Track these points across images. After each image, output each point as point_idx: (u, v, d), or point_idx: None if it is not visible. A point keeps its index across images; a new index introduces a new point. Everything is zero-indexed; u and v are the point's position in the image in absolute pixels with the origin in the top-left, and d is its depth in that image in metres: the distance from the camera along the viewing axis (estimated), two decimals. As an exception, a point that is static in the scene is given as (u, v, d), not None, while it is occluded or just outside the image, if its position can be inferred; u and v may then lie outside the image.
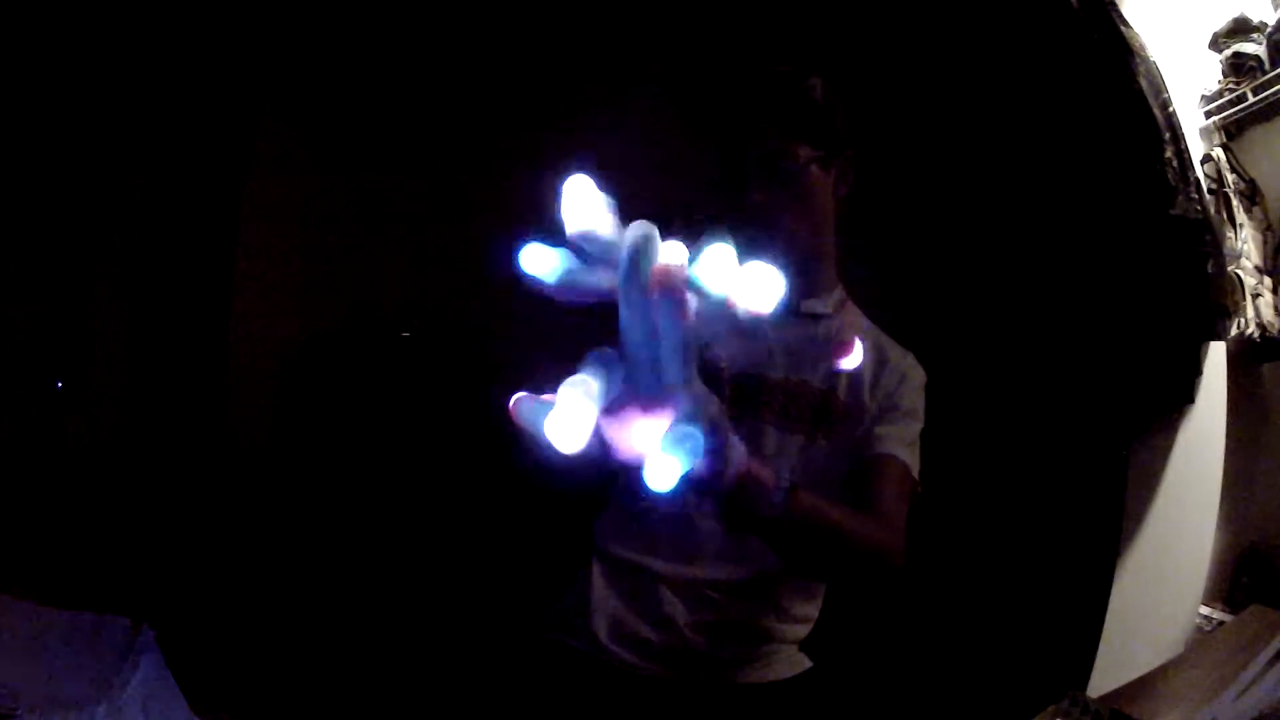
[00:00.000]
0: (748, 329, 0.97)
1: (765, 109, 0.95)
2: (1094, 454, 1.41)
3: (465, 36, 1.72)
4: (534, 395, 0.39)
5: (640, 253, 0.37)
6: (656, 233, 0.37)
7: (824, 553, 0.78)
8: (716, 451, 0.46)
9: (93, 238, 1.60)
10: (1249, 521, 1.51)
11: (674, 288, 0.37)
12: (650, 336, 0.39)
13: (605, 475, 0.79)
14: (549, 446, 0.36)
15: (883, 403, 0.96)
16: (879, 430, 0.94)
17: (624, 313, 0.39)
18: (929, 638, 1.40)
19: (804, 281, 1.00)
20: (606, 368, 0.40)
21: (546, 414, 0.36)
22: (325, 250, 1.72)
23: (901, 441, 0.94)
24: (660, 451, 0.37)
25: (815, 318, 1.00)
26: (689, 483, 0.42)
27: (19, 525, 1.36)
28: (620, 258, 0.37)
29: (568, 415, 0.36)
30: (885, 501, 0.88)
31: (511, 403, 0.39)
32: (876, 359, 0.99)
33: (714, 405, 0.43)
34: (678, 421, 0.39)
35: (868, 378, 0.98)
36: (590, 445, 0.37)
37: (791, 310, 0.99)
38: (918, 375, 1.00)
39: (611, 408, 0.39)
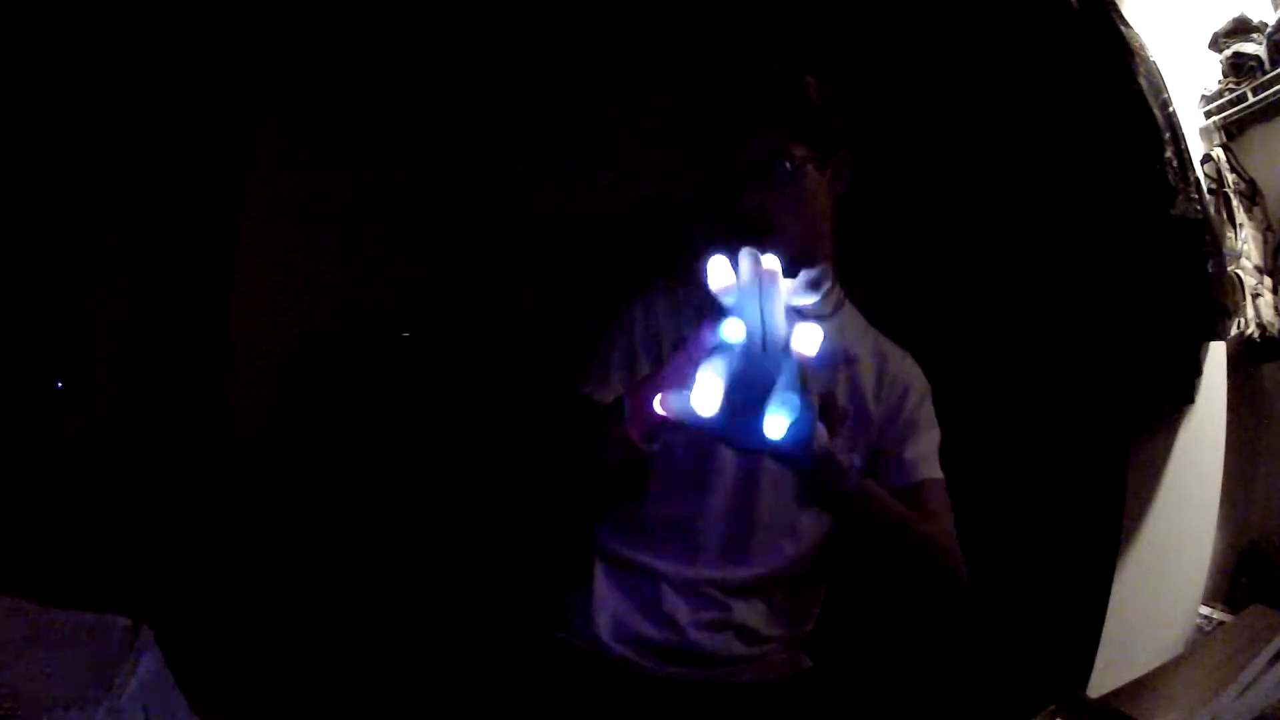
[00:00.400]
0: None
1: (761, 108, 0.94)
2: (1094, 454, 1.41)
3: (467, 36, 1.72)
4: (672, 391, 0.54)
5: (754, 264, 0.52)
6: (757, 251, 0.52)
7: (891, 542, 0.84)
8: (808, 417, 0.54)
9: (92, 238, 1.60)
10: (1249, 521, 1.51)
11: (775, 281, 0.52)
12: (759, 319, 0.52)
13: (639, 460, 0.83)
14: (693, 416, 0.51)
15: (895, 413, 0.97)
16: (909, 455, 0.95)
17: (745, 306, 0.52)
18: (929, 637, 1.40)
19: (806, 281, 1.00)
20: (726, 357, 0.51)
21: (687, 397, 0.50)
22: (325, 250, 1.72)
23: (932, 459, 0.96)
24: (771, 407, 0.49)
25: (819, 316, 1.00)
26: (783, 447, 0.54)
27: (19, 525, 1.36)
28: (739, 271, 0.52)
29: (708, 387, 0.49)
30: (941, 523, 0.91)
31: (659, 402, 0.55)
32: (878, 362, 0.99)
33: (815, 384, 0.54)
34: (784, 387, 0.50)
35: (869, 381, 0.98)
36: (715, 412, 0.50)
37: (793, 310, 0.99)
38: (921, 382, 1.01)
39: (731, 382, 0.51)
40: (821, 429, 0.61)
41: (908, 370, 1.00)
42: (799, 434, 0.54)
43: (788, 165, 0.92)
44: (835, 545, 1.01)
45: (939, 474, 0.96)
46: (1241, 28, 1.51)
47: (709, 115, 0.97)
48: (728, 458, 0.93)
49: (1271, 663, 0.83)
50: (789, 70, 0.98)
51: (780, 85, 0.96)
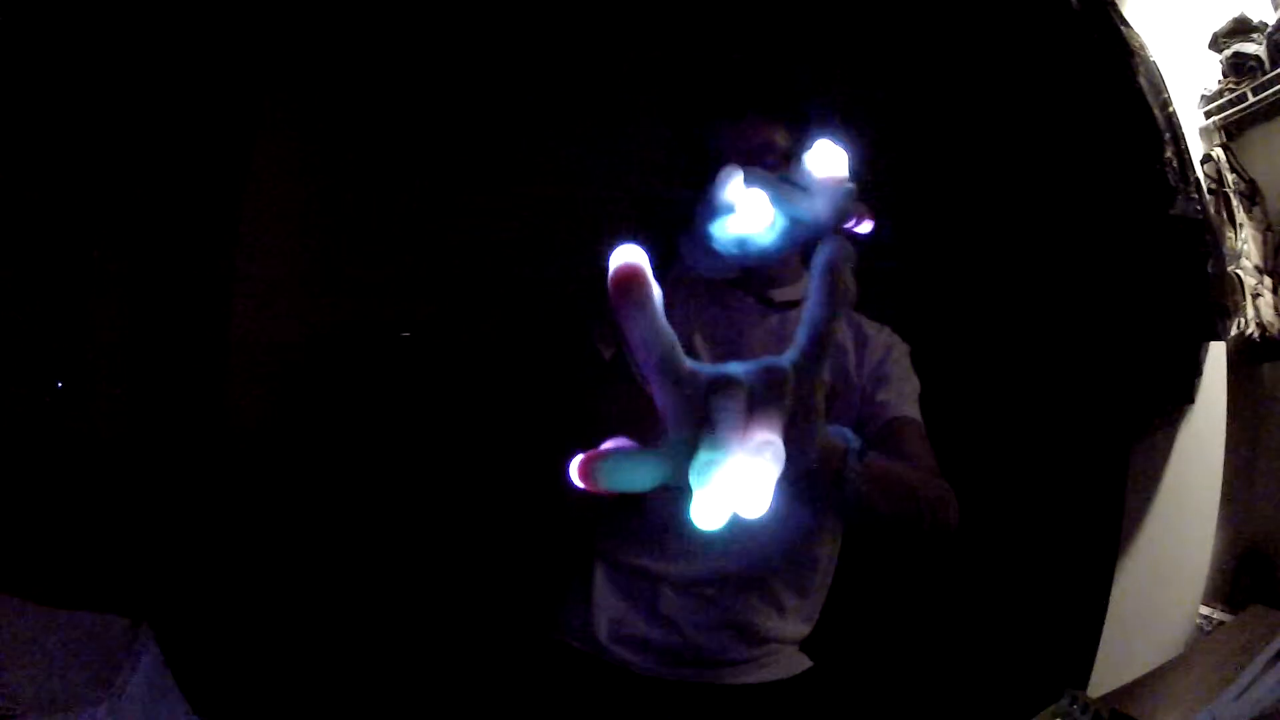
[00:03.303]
0: (722, 321, 0.97)
1: (750, 99, 0.93)
2: (1094, 454, 1.41)
3: (466, 38, 1.72)
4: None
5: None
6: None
7: (895, 509, 0.77)
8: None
9: (92, 238, 1.60)
10: (1249, 521, 1.51)
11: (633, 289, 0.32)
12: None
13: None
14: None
15: (875, 372, 0.97)
16: (882, 397, 0.94)
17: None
18: (929, 637, 1.40)
19: (776, 271, 1.00)
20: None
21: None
22: (325, 250, 1.72)
23: (908, 403, 0.95)
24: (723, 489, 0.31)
25: (789, 305, 1.01)
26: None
27: (19, 525, 1.36)
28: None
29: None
30: (923, 461, 0.89)
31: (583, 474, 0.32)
32: (855, 337, 1.00)
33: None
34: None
35: (850, 357, 0.98)
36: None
37: (764, 301, 1.00)
38: (901, 345, 1.02)
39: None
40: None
41: (885, 338, 1.01)
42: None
43: (772, 156, 0.92)
44: (836, 524, 1.02)
45: (916, 415, 0.94)
46: (1241, 28, 1.51)
47: (692, 107, 0.96)
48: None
49: (1271, 663, 0.83)
50: (770, 61, 0.98)
51: (766, 76, 0.96)
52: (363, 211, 1.73)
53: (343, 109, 1.73)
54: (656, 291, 0.32)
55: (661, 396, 0.34)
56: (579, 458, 0.33)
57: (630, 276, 0.31)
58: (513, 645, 1.02)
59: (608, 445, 0.33)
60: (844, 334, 1.00)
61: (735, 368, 0.34)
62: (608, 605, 0.96)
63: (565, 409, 0.96)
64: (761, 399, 0.33)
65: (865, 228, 0.42)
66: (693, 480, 0.31)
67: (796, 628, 1.00)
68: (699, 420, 0.33)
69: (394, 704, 1.45)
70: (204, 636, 1.31)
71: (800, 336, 0.35)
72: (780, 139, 0.92)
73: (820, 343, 0.35)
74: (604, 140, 1.70)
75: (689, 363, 0.34)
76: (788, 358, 0.35)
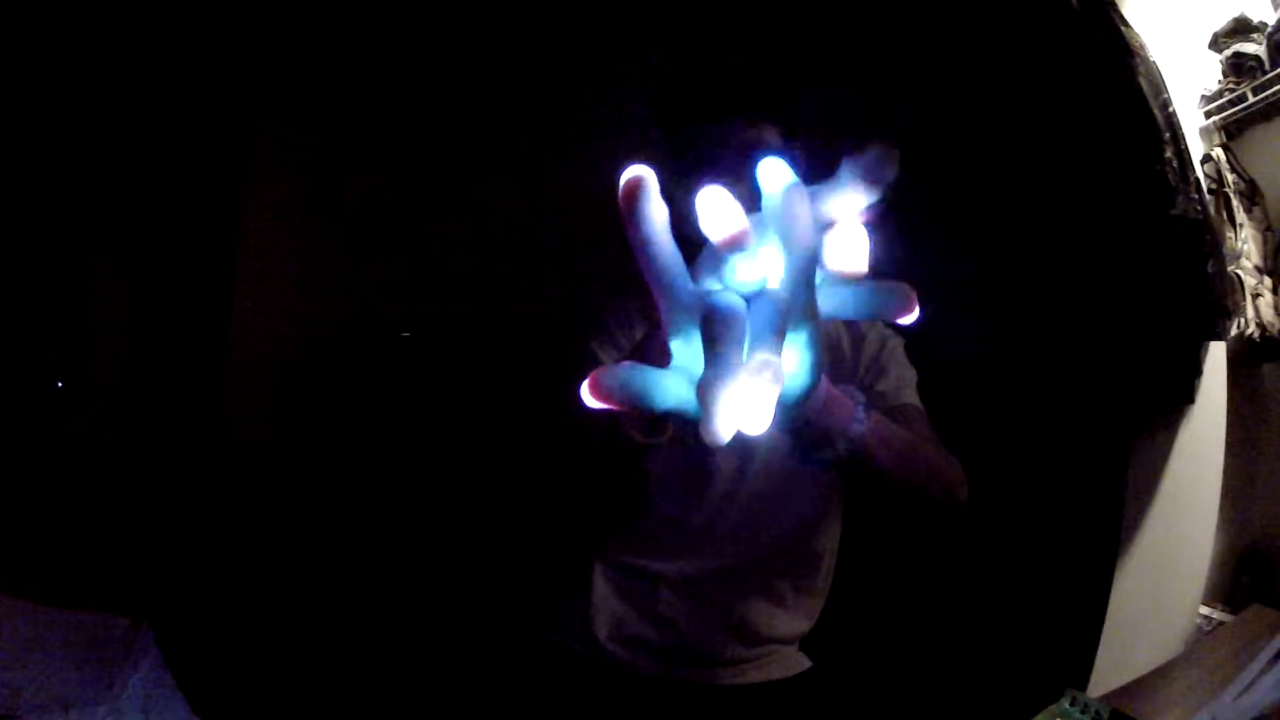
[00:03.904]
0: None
1: (740, 99, 0.93)
2: (1094, 454, 1.41)
3: (466, 36, 1.72)
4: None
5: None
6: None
7: (905, 473, 0.73)
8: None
9: (92, 237, 1.60)
10: (1249, 521, 1.51)
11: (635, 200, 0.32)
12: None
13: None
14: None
15: (872, 365, 0.97)
16: (882, 387, 0.94)
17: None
18: (929, 637, 1.40)
19: None
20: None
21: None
22: (325, 250, 1.72)
23: (909, 390, 0.95)
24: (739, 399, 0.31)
25: None
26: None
27: (19, 525, 1.36)
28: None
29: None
30: (930, 440, 0.89)
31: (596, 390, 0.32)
32: (851, 333, 1.00)
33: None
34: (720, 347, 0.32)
35: (846, 352, 0.98)
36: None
37: None
38: (895, 338, 1.02)
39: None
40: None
41: (879, 333, 1.01)
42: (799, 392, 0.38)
43: (767, 155, 0.91)
44: (836, 511, 1.02)
45: (917, 402, 0.94)
46: (1241, 28, 1.50)
47: (681, 108, 0.96)
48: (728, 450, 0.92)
49: (1271, 663, 0.83)
50: (758, 62, 0.97)
51: (755, 76, 0.95)
52: (362, 211, 1.73)
53: (343, 109, 1.73)
54: (663, 210, 0.33)
55: (664, 314, 0.35)
56: (590, 375, 0.33)
57: (635, 189, 0.32)
58: (511, 645, 1.02)
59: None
60: (840, 333, 1.00)
61: (733, 292, 0.34)
62: (606, 605, 0.96)
63: (563, 410, 0.96)
64: (760, 321, 0.33)
65: (909, 318, 0.39)
66: (699, 398, 0.31)
67: (797, 626, 1.00)
68: (699, 340, 0.33)
69: (393, 704, 1.45)
70: (204, 637, 1.31)
71: (785, 264, 0.35)
72: (770, 138, 0.92)
73: (801, 267, 0.34)
74: (604, 140, 1.70)
75: (691, 284, 0.35)
76: (782, 284, 0.35)
